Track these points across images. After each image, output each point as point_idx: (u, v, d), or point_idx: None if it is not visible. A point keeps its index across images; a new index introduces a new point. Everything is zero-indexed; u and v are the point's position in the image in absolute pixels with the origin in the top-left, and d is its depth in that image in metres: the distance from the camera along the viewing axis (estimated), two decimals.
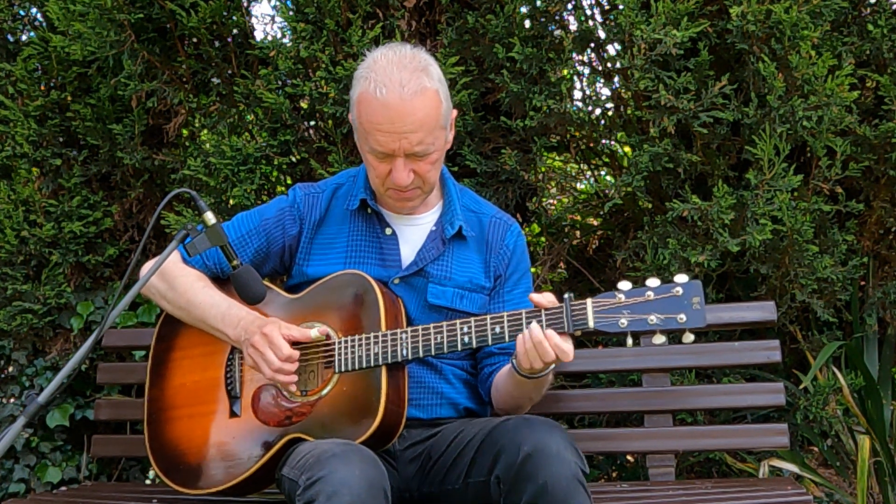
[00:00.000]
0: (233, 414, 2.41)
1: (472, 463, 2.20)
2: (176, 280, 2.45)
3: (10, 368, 3.51)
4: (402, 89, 2.22)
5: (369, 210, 2.46)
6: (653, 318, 2.10)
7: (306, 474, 2.02)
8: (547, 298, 2.19)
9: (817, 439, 3.30)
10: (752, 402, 2.85)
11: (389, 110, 2.23)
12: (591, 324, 2.13)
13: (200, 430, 2.44)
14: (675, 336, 2.18)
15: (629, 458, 3.54)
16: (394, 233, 2.45)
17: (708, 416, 3.31)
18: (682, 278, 2.12)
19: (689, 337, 2.11)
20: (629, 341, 2.13)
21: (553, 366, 2.27)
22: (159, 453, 2.49)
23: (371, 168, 2.36)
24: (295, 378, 2.29)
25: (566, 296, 2.16)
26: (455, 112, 2.43)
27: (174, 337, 2.55)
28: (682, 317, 2.09)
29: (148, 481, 3.52)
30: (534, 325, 2.16)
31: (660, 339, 2.12)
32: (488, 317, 2.23)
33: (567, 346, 2.15)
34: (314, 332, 2.31)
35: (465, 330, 2.23)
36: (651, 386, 2.80)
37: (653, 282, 2.13)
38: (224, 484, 2.36)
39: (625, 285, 2.14)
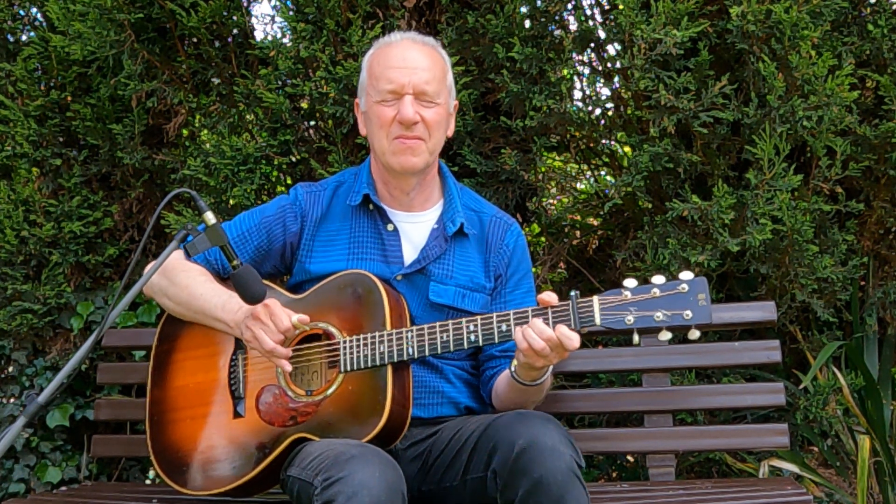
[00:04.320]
0: (236, 414, 2.40)
1: (469, 460, 2.20)
2: (178, 275, 2.43)
3: (10, 368, 3.51)
4: (413, 37, 2.44)
5: (371, 206, 2.46)
6: (659, 315, 2.10)
7: (323, 475, 2.01)
8: (551, 297, 2.18)
9: (817, 439, 3.30)
10: (752, 402, 2.85)
11: (402, 49, 2.38)
12: (597, 320, 2.13)
13: (204, 432, 2.43)
14: (679, 333, 2.17)
15: (629, 458, 3.54)
16: (395, 229, 2.44)
17: (708, 416, 3.31)
18: (687, 275, 2.12)
19: (694, 333, 2.11)
20: (636, 338, 2.13)
21: (551, 367, 2.28)
22: (162, 455, 2.48)
23: (377, 119, 2.36)
24: (289, 353, 2.27)
25: (572, 293, 2.15)
26: (457, 104, 2.49)
27: (176, 338, 2.54)
28: (689, 313, 2.09)
29: (148, 481, 3.52)
30: (539, 322, 2.13)
31: (665, 335, 2.12)
32: (494, 315, 2.21)
33: (572, 332, 2.13)
34: (294, 318, 2.26)
35: (472, 328, 2.22)
36: (651, 386, 2.80)
37: (658, 279, 2.13)
38: (229, 485, 2.36)
39: (630, 282, 2.14)
